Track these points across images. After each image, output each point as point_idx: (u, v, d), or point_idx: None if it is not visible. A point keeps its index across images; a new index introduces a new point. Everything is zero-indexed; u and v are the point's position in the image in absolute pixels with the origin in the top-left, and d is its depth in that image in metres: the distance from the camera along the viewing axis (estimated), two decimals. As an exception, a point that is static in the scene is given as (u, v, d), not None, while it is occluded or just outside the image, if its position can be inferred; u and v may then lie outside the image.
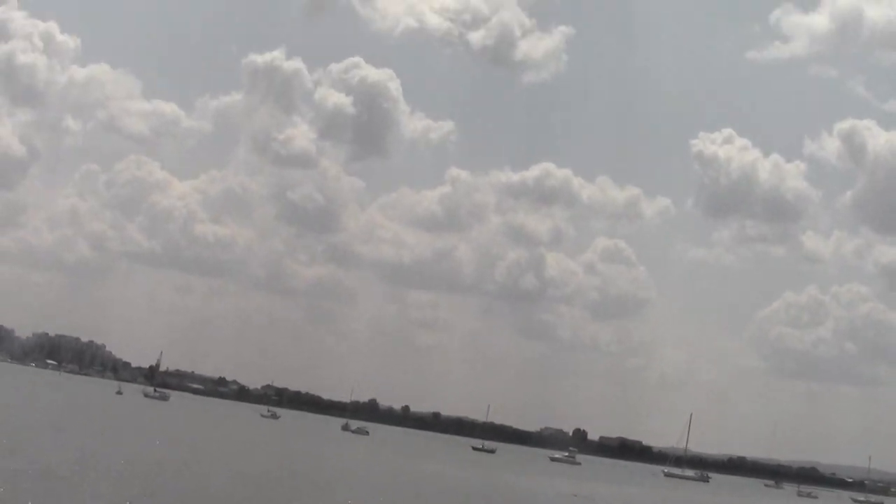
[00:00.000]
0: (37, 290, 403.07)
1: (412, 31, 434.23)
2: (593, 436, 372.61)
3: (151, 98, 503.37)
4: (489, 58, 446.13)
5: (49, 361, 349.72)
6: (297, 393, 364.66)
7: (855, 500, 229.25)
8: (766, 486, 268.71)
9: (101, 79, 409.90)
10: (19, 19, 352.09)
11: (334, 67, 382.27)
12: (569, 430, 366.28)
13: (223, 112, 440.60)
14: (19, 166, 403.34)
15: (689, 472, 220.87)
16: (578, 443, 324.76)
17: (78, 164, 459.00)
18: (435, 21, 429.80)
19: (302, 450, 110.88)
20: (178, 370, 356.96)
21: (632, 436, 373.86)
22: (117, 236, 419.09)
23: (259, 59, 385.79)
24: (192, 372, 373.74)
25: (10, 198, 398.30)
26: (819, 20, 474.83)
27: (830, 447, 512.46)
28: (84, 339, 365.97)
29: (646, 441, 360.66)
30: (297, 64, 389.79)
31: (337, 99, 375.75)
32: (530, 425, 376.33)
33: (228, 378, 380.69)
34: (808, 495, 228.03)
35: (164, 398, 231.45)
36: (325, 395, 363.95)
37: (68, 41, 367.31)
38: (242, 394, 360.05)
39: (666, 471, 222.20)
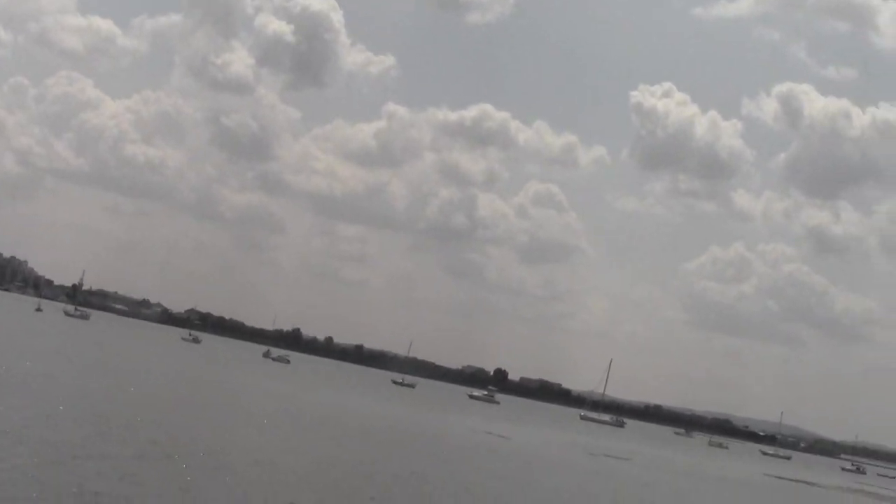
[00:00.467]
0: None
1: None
2: (514, 376, 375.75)
3: (87, 13, 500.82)
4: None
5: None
6: (221, 318, 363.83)
7: (764, 453, 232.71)
8: (676, 433, 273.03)
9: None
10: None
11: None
12: (490, 369, 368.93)
13: (161, 32, 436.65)
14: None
15: (605, 417, 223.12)
16: (499, 382, 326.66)
17: (6, 77, 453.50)
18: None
19: (215, 374, 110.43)
20: (101, 290, 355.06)
21: (552, 379, 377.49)
22: (45, 152, 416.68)
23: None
24: (116, 292, 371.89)
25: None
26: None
27: (745, 401, 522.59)
28: (6, 254, 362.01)
29: (566, 384, 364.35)
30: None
31: (277, 26, 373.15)
32: (453, 363, 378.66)
33: (152, 300, 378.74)
34: (719, 446, 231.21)
35: (85, 317, 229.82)
36: (250, 323, 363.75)
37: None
38: (166, 317, 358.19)
39: (582, 414, 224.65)
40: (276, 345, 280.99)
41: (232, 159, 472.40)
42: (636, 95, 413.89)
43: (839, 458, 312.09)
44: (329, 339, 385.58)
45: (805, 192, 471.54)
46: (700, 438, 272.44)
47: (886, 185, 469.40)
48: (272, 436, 55.37)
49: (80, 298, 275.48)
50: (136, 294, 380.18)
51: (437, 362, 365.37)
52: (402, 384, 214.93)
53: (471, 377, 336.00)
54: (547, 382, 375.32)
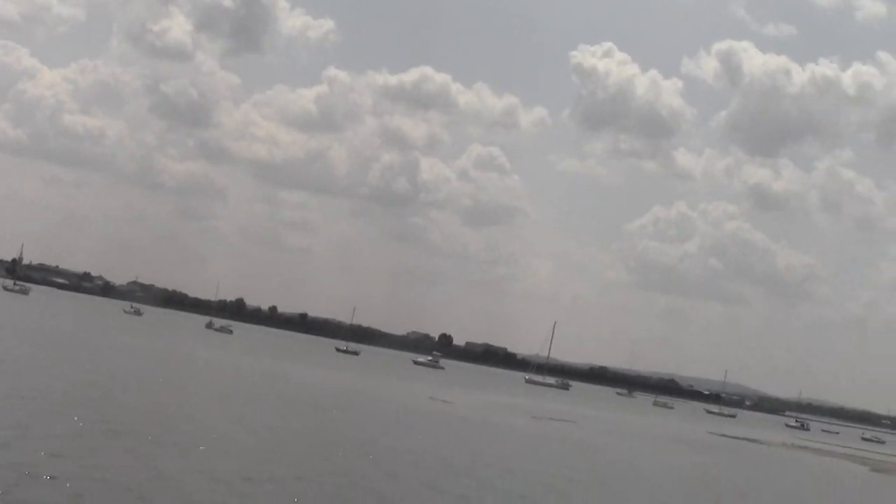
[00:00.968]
0: None
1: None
2: (459, 341, 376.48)
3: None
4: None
5: None
6: (164, 290, 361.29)
7: (709, 412, 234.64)
8: (618, 394, 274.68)
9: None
10: None
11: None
12: (435, 335, 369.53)
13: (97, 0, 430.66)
14: None
15: (550, 380, 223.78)
16: (444, 348, 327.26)
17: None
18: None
19: (157, 347, 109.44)
20: (41, 264, 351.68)
21: (498, 343, 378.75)
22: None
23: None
24: (57, 266, 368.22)
25: None
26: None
27: (690, 360, 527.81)
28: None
29: (511, 348, 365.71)
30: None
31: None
32: (398, 329, 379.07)
33: (94, 273, 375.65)
34: (664, 406, 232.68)
35: (25, 292, 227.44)
36: (192, 294, 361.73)
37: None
38: (108, 290, 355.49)
39: (527, 377, 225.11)
40: (220, 315, 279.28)
41: (172, 127, 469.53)
42: (576, 56, 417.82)
43: (784, 416, 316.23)
44: (273, 309, 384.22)
45: (746, 150, 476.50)
46: (643, 398, 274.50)
47: (826, 141, 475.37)
48: (216, 407, 54.87)
49: (20, 273, 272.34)
50: (78, 267, 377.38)
51: (382, 329, 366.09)
52: (346, 352, 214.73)
53: (416, 343, 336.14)
54: (492, 347, 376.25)
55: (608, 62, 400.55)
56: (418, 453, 46.87)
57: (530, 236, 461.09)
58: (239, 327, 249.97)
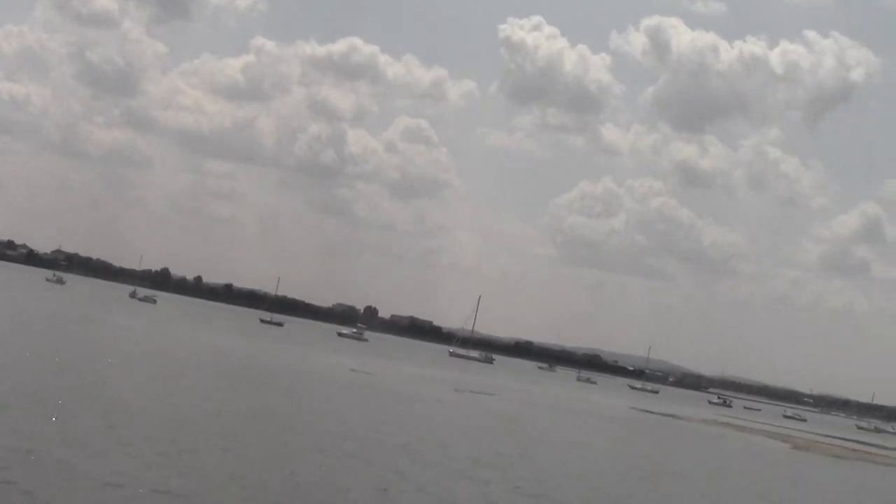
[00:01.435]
0: None
1: None
2: (385, 314, 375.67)
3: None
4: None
5: None
6: (88, 259, 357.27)
7: (632, 387, 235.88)
8: (539, 368, 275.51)
9: None
10: None
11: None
12: (361, 307, 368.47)
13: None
14: None
15: (474, 354, 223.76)
16: (369, 320, 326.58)
17: None
18: None
19: (77, 316, 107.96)
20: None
21: (424, 316, 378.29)
22: None
23: None
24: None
25: None
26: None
27: (615, 336, 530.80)
28: None
29: (437, 321, 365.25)
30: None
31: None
32: (324, 301, 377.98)
33: (17, 242, 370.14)
34: (588, 381, 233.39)
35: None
36: (117, 263, 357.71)
37: None
38: (31, 258, 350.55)
39: (451, 350, 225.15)
40: (144, 285, 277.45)
41: (98, 95, 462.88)
42: (505, 29, 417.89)
43: (707, 392, 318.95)
44: (198, 279, 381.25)
45: (673, 126, 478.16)
46: (564, 372, 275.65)
47: (753, 119, 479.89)
48: (133, 377, 53.95)
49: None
50: (1, 235, 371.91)
51: (308, 301, 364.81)
52: (270, 323, 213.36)
53: (341, 315, 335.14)
54: (417, 320, 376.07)
55: (537, 36, 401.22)
56: (333, 421, 46.36)
57: (458, 209, 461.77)
58: (163, 297, 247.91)
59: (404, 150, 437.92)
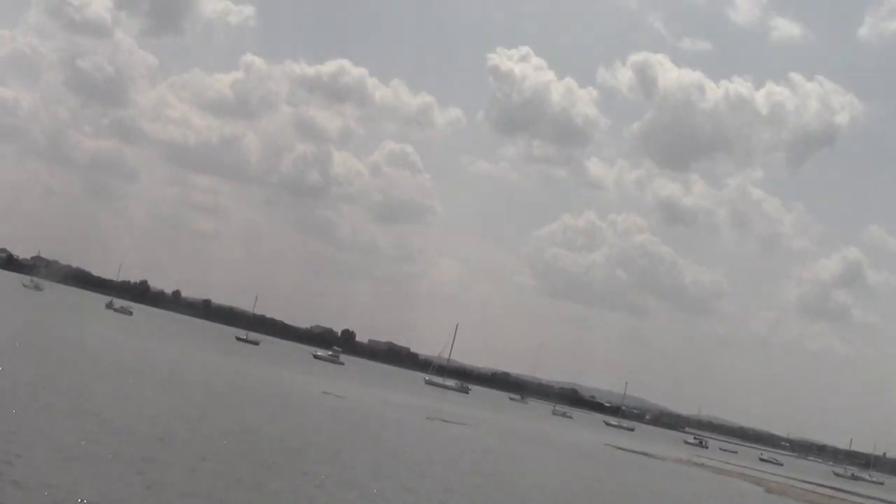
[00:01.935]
0: None
1: None
2: (362, 338, 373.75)
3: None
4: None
5: None
6: (67, 266, 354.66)
7: (608, 424, 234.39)
8: (511, 399, 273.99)
9: None
10: None
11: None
12: (339, 330, 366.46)
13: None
14: None
15: (450, 382, 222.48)
16: (346, 344, 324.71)
17: None
18: None
19: (49, 324, 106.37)
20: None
21: (402, 342, 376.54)
22: None
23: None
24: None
25: None
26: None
27: (592, 371, 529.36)
28: None
29: (414, 348, 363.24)
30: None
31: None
32: (301, 322, 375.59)
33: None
34: (563, 415, 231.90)
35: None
36: (96, 272, 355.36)
37: None
38: (10, 262, 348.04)
39: (427, 378, 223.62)
40: (122, 296, 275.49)
41: (86, 104, 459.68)
42: (493, 58, 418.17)
43: (683, 432, 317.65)
44: (177, 293, 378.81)
45: (657, 163, 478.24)
46: (540, 406, 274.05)
47: (737, 158, 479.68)
48: (100, 388, 52.49)
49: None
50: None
51: (286, 321, 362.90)
52: (245, 341, 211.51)
53: (318, 337, 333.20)
54: (395, 345, 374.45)
55: (524, 66, 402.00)
56: (299, 442, 45.07)
57: (439, 236, 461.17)
58: (140, 310, 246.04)
59: (389, 174, 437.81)
